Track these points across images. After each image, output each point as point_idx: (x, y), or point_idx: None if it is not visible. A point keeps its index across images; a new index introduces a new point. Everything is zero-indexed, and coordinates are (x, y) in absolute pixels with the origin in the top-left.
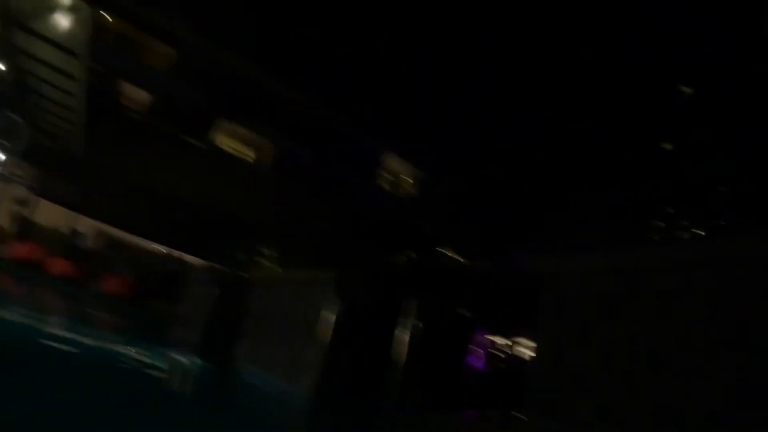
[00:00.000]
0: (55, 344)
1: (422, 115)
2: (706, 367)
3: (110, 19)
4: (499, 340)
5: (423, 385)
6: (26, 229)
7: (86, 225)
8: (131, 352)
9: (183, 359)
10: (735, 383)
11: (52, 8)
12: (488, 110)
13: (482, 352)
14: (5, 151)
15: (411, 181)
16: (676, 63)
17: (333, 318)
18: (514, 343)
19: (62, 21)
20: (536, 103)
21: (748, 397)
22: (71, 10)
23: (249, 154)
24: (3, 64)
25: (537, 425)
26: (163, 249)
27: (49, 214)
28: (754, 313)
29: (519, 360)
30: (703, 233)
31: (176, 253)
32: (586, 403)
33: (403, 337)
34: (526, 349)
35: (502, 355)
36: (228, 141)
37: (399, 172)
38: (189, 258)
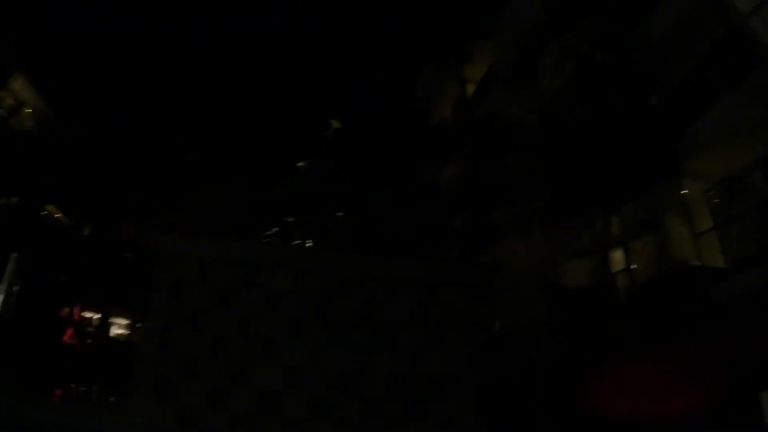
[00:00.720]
0: None
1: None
2: (310, 360)
3: None
4: (97, 315)
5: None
6: None
7: None
8: None
9: None
10: (334, 375)
11: None
12: None
13: (78, 324)
14: None
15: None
16: None
17: None
18: (116, 319)
19: None
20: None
21: (347, 388)
22: None
23: None
24: None
25: (144, 406)
26: None
27: None
28: (352, 314)
29: (119, 338)
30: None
31: None
32: (196, 386)
33: None
34: (124, 328)
35: (101, 331)
36: None
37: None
38: None
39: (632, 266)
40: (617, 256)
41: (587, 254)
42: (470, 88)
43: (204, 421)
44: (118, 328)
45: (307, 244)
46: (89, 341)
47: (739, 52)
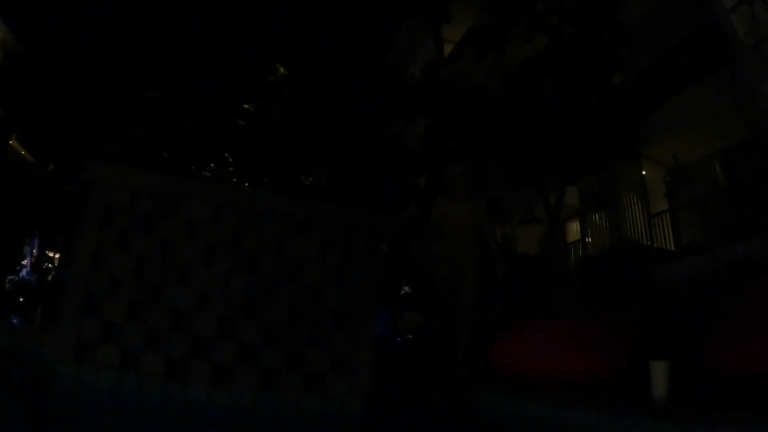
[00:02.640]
0: None
1: None
2: (220, 283)
3: None
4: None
5: None
6: None
7: None
8: None
9: None
10: (242, 301)
11: None
12: None
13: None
14: None
15: None
16: None
17: None
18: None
19: None
20: None
21: (252, 313)
22: None
23: None
24: None
25: (71, 322)
26: None
27: None
28: (261, 246)
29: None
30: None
31: None
32: (118, 304)
33: None
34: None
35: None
36: None
37: None
38: None
39: (587, 239)
40: (573, 227)
41: (539, 222)
42: (448, 49)
43: (124, 334)
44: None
45: (244, 184)
46: (49, 278)
47: (711, 46)
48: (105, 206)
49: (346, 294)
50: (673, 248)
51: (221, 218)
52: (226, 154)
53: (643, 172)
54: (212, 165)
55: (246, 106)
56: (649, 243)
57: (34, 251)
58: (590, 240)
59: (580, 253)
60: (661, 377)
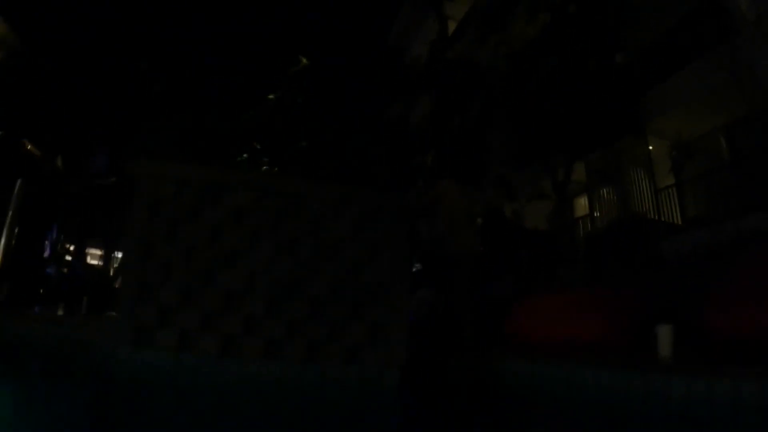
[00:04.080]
0: None
1: None
2: (266, 264)
3: None
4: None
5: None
6: None
7: None
8: None
9: None
10: (286, 281)
11: None
12: None
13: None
14: None
15: None
16: None
17: None
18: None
19: None
20: None
21: (296, 291)
22: None
23: None
24: None
25: (129, 308)
26: None
27: None
28: (301, 229)
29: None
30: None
31: None
32: (171, 289)
33: None
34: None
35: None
36: None
37: None
38: None
39: (595, 213)
40: (582, 202)
41: (548, 198)
42: (452, 27)
43: (178, 317)
44: (92, 258)
45: (275, 170)
46: (66, 270)
47: (712, 21)
48: (152, 198)
49: (380, 270)
50: (679, 222)
51: (263, 205)
52: (256, 143)
53: (650, 147)
54: (244, 155)
55: (270, 96)
56: (656, 217)
57: (50, 244)
58: (598, 215)
59: (589, 227)
60: (666, 340)
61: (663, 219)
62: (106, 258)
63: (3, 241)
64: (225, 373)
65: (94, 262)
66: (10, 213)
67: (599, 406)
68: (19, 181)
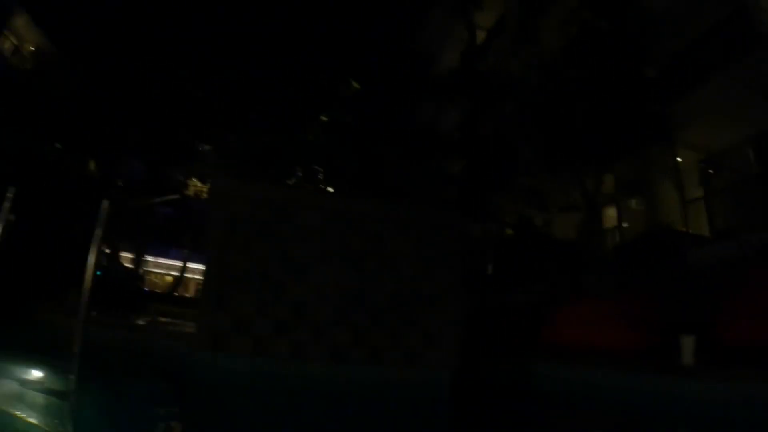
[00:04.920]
0: None
1: None
2: (333, 277)
3: None
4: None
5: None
6: None
7: None
8: None
9: None
10: (351, 292)
11: None
12: None
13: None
14: None
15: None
16: None
17: None
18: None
19: None
20: None
21: (360, 302)
22: None
23: None
24: None
25: (207, 316)
26: None
27: None
28: (365, 245)
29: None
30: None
31: None
32: (247, 299)
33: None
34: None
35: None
36: None
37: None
38: None
39: (623, 224)
40: (611, 213)
41: (577, 209)
42: (480, 36)
43: (253, 325)
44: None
45: (328, 188)
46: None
47: (737, 32)
48: (227, 216)
49: (436, 283)
50: (707, 234)
51: (331, 223)
52: (312, 163)
53: (678, 159)
54: (300, 174)
55: (323, 118)
56: (684, 228)
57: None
58: (626, 225)
59: (617, 238)
60: (689, 348)
61: (690, 231)
62: (138, 261)
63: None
64: (295, 376)
65: (127, 265)
66: (99, 232)
67: (626, 406)
68: (105, 202)
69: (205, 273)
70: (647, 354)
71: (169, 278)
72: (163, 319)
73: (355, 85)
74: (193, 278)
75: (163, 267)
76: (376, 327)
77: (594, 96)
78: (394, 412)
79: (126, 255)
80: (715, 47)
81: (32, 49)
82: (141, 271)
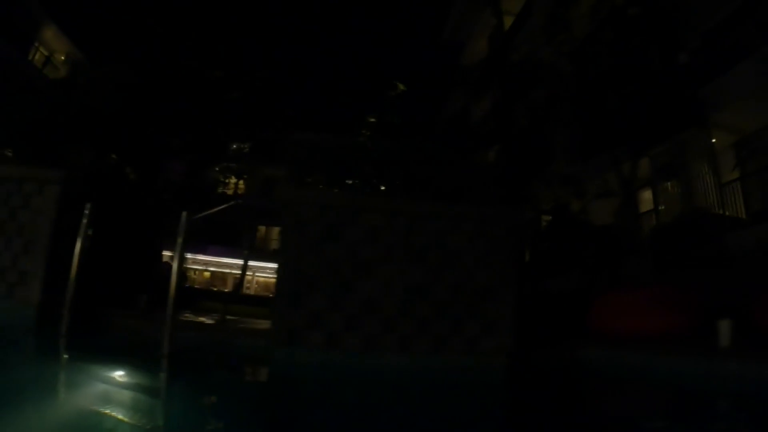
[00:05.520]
0: None
1: None
2: (397, 275)
3: None
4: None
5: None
6: None
7: None
8: None
9: None
10: (415, 286)
11: None
12: None
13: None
14: None
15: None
16: None
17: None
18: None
19: None
20: None
21: (424, 295)
22: None
23: None
24: None
25: (282, 312)
26: None
27: None
28: (426, 242)
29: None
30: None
31: None
32: (319, 296)
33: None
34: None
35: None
36: None
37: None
38: None
39: (660, 208)
40: (647, 197)
41: (613, 194)
42: (508, 21)
43: (326, 321)
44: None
45: (382, 188)
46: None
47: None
48: (298, 220)
49: (492, 274)
50: (744, 216)
51: (394, 223)
52: (363, 166)
53: (713, 140)
54: (355, 179)
55: (372, 119)
56: (720, 211)
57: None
58: (663, 209)
59: (654, 222)
60: (726, 332)
61: (727, 213)
62: (181, 259)
63: (175, 265)
64: (366, 366)
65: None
66: (180, 241)
67: (669, 386)
68: (185, 213)
69: (278, 273)
70: (686, 338)
71: (207, 274)
72: (231, 318)
73: (401, 86)
74: (231, 273)
75: (200, 263)
76: (439, 318)
77: (627, 81)
78: (456, 395)
79: (167, 253)
80: (747, 27)
81: (62, 58)
82: (182, 268)
